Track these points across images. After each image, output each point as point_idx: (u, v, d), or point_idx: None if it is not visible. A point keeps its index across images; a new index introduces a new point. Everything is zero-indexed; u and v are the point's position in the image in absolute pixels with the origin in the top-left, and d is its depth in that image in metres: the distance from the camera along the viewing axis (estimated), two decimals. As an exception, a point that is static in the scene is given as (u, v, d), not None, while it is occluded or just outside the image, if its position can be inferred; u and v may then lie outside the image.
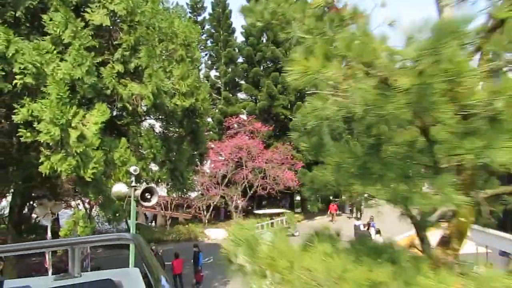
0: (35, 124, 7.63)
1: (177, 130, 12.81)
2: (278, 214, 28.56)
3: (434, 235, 3.54)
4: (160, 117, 11.36)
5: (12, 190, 16.75)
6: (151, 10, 10.32)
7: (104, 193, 8.72)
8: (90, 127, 8.39)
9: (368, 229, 20.64)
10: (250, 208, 32.24)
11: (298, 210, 36.74)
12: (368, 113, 2.68)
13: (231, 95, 36.12)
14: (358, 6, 3.36)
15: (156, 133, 11.95)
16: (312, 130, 3.86)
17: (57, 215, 15.14)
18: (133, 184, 3.86)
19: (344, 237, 3.81)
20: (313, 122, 3.41)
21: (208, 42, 39.20)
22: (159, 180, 11.38)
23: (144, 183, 11.66)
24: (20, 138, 7.75)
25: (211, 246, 25.45)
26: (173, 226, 30.40)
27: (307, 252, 2.98)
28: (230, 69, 36.74)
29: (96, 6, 9.35)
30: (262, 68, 36.60)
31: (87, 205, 23.52)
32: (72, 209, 23.34)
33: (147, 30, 10.13)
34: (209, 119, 32.57)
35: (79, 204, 23.86)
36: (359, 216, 32.91)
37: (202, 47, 37.45)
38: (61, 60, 8.58)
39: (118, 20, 9.93)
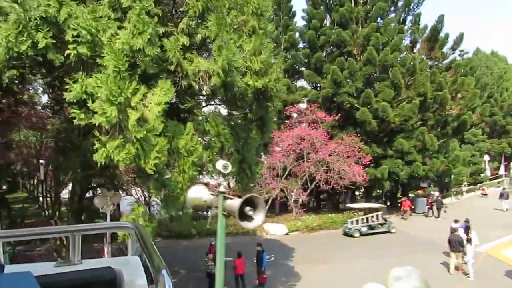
0: (89, 103, 6.29)
1: (245, 115, 11.09)
2: (375, 209, 26.12)
3: None
4: (228, 99, 9.73)
5: (72, 178, 16.48)
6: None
7: (168, 187, 7.27)
8: (152, 108, 6.89)
9: (467, 234, 17.52)
10: (311, 202, 30.15)
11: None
12: None
13: (291, 82, 33.98)
14: None
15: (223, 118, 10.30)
16: None
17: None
18: (221, 188, 2.37)
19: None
20: None
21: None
22: (226, 174, 9.75)
23: (209, 177, 10.15)
24: (73, 121, 6.47)
25: (271, 242, 23.88)
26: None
27: None
28: (290, 55, 34.54)
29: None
30: (325, 53, 33.96)
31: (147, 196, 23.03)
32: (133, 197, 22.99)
33: (216, -5, 8.44)
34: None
35: (139, 196, 23.37)
36: (439, 215, 29.61)
37: (261, 32, 35.61)
38: (120, 28, 7.16)
39: (184, -17, 8.36)
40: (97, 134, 6.40)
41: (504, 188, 34.05)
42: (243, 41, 9.61)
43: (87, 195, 14.90)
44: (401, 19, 32.67)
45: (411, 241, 23.06)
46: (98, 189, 13.57)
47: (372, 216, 25.50)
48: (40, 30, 6.30)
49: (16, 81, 16.21)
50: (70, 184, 14.45)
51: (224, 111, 11.81)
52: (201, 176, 10.70)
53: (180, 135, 7.62)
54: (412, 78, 29.96)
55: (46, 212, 18.11)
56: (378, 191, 35.95)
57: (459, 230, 17.30)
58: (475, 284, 15.52)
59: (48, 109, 21.10)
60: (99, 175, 11.23)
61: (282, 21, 35.18)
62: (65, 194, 16.89)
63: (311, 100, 31.78)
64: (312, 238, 25.84)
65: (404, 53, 31.79)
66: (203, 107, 10.30)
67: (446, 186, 39.02)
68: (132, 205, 10.08)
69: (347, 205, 29.58)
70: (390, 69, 29.44)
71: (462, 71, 34.22)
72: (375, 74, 30.94)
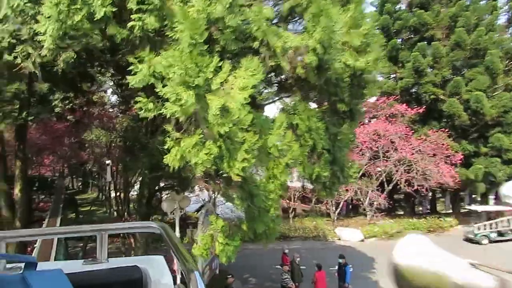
0: (158, 88, 4.76)
1: (334, 106, 9.03)
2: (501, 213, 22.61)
3: None
4: (319, 85, 7.79)
5: (139, 179, 15.78)
6: None
7: (257, 198, 5.54)
8: (235, 94, 5.19)
9: None
10: (388, 205, 27.06)
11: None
12: None
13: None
14: None
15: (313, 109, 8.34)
16: None
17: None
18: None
19: None
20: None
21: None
22: (316, 177, 7.81)
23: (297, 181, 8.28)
24: (139, 112, 4.99)
25: (345, 250, 21.47)
26: (294, 218, 27.61)
27: None
28: (361, 44, 31.54)
29: None
30: (401, 39, 30.45)
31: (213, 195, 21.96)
32: (200, 197, 22.03)
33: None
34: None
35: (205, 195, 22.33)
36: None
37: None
38: (193, -6, 5.56)
39: None
40: (169, 129, 4.84)
41: None
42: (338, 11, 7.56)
43: (154, 197, 13.90)
44: (494, -6, 28.11)
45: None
46: (166, 191, 12.47)
47: (502, 221, 21.82)
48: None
49: (87, 82, 16.14)
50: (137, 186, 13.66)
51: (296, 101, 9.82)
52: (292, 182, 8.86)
53: (268, 129, 5.85)
54: (511, 63, 25.53)
55: (115, 214, 17.75)
56: (463, 193, 31.56)
57: None
58: None
59: (116, 109, 21.20)
60: (168, 177, 9.99)
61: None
62: (134, 195, 16.33)
63: (387, 92, 28.56)
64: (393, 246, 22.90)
65: (498, 34, 27.28)
66: (286, 96, 8.43)
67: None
68: (200, 206, 8.88)
69: (472, 207, 25.54)
70: (484, 53, 25.27)
71: None
72: (464, 60, 26.83)
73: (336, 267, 14.65)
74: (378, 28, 31.45)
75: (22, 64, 5.20)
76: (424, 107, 26.51)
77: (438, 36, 27.14)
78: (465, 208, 27.77)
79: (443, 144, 24.48)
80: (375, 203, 26.51)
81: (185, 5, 5.40)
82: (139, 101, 4.97)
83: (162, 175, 10.40)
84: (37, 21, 4.96)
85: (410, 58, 26.68)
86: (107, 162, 16.13)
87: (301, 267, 14.83)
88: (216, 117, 4.74)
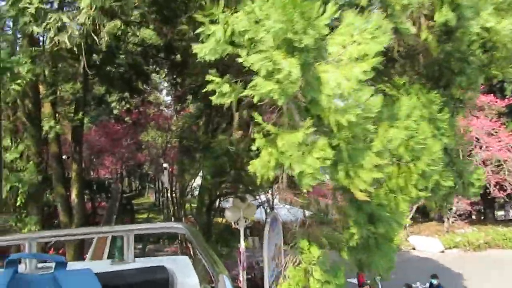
0: (242, 58, 3.07)
1: (451, 89, 6.78)
2: None
3: None
4: (438, 59, 5.71)
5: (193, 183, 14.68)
6: None
7: (380, 221, 3.66)
8: (349, 67, 3.33)
9: None
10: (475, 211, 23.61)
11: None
12: None
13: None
14: None
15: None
16: None
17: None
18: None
19: None
20: None
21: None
22: (433, 188, 5.66)
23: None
24: (212, 98, 3.34)
25: (423, 263, 18.69)
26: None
27: None
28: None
29: None
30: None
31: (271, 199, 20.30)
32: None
33: None
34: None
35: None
36: None
37: None
38: None
39: None
40: (258, 119, 3.13)
41: None
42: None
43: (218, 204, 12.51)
44: None
45: None
46: (230, 198, 11.00)
47: None
48: None
49: (142, 80, 15.62)
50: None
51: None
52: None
53: (392, 120, 3.93)
54: None
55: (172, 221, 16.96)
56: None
57: None
58: None
59: (171, 109, 20.75)
60: (234, 181, 8.52)
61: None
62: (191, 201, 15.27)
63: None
64: (486, 260, 19.58)
65: None
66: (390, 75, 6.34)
67: None
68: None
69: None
70: None
71: None
72: None
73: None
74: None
75: (56, 38, 3.92)
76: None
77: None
78: None
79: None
80: (454, 208, 23.21)
81: None
82: (211, 81, 3.33)
83: (225, 180, 8.88)
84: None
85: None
86: (164, 165, 15.13)
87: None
88: (330, 99, 2.95)
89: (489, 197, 23.26)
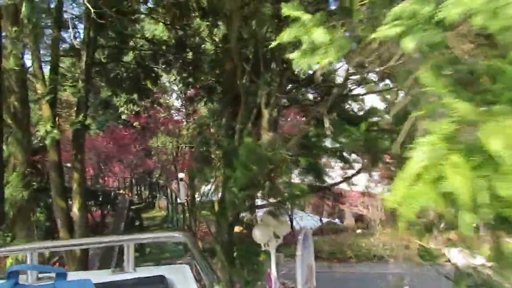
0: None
1: None
2: None
3: None
4: None
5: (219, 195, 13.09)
6: None
7: None
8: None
9: None
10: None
11: None
12: None
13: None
14: None
15: None
16: None
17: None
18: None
19: None
20: None
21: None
22: None
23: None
24: (292, 58, 1.73)
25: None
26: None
27: None
28: None
29: None
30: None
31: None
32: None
33: None
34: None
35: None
36: None
37: None
38: None
39: None
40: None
41: None
42: None
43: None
44: None
45: None
46: (257, 213, 9.34)
47: None
48: None
49: (151, 79, 14.40)
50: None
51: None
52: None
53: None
54: None
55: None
56: None
57: None
58: None
59: (183, 113, 19.52)
60: (268, 194, 6.93)
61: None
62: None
63: None
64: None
65: None
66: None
67: None
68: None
69: None
70: None
71: None
72: None
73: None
74: None
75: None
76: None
77: None
78: None
79: None
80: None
81: None
82: (289, 21, 1.72)
83: (255, 194, 7.23)
84: None
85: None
86: (180, 176, 13.51)
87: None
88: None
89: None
